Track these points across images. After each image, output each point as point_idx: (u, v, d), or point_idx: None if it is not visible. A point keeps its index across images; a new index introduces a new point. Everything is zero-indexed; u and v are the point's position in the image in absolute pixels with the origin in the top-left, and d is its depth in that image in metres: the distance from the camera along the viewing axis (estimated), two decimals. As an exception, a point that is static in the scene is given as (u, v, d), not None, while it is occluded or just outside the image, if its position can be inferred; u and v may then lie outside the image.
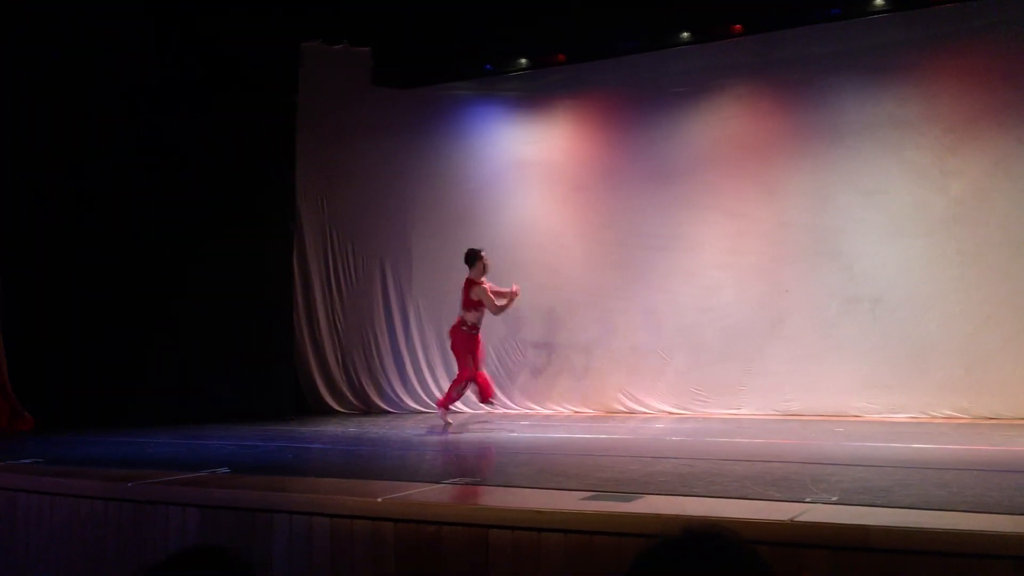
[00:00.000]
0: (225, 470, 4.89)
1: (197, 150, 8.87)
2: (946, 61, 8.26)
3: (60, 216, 8.52)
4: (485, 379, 8.38)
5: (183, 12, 8.53)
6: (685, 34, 8.96)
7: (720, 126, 9.11)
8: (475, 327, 8.30)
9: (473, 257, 8.38)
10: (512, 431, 7.68)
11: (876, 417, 8.08)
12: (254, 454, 5.94)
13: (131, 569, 4.24)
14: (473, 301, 8.22)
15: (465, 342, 8.27)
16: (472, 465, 5.27)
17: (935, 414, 7.96)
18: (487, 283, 8.30)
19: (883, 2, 8.15)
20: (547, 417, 9.11)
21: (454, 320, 8.41)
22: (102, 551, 4.41)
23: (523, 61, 9.74)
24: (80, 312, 8.56)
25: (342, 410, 9.78)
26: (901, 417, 8.01)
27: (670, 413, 8.94)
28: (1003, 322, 7.87)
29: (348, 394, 9.94)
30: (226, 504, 4.15)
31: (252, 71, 9.01)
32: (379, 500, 3.87)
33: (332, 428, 8.06)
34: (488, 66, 9.83)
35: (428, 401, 9.90)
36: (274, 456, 5.89)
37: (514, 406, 9.66)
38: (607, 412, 9.19)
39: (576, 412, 9.37)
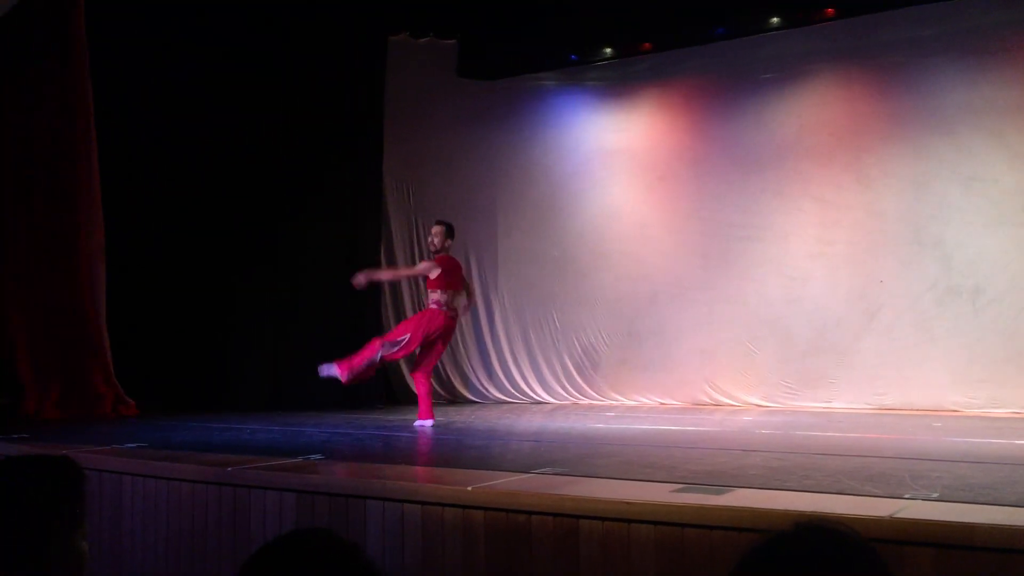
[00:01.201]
0: (319, 457, 5.01)
1: (289, 142, 9.07)
2: (1052, 42, 7.91)
3: (160, 208, 8.84)
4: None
5: (274, 5, 8.71)
6: (775, 19, 8.77)
7: (810, 112, 8.91)
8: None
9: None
10: (598, 422, 7.66)
11: (975, 412, 7.81)
12: (346, 442, 6.07)
13: (231, 549, 4.39)
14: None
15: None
16: (558, 455, 5.28)
17: (1038, 409, 7.66)
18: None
19: (983, -19, 7.84)
20: (633, 408, 9.07)
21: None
22: (203, 532, 4.57)
23: (608, 50, 9.68)
24: (178, 302, 8.88)
25: (429, 399, 9.89)
26: (1002, 412, 7.73)
27: (758, 406, 8.80)
28: (1113, 314, 7.52)
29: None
30: (321, 490, 4.25)
31: (342, 64, 9.17)
32: (469, 489, 3.91)
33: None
34: (573, 56, 9.80)
35: (512, 391, 9.97)
36: (366, 444, 6.00)
37: (599, 397, 9.64)
38: (693, 404, 9.10)
39: (662, 404, 9.30)
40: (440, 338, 7.36)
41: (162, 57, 8.60)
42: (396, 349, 7.23)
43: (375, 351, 7.18)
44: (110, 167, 8.32)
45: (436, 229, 7.48)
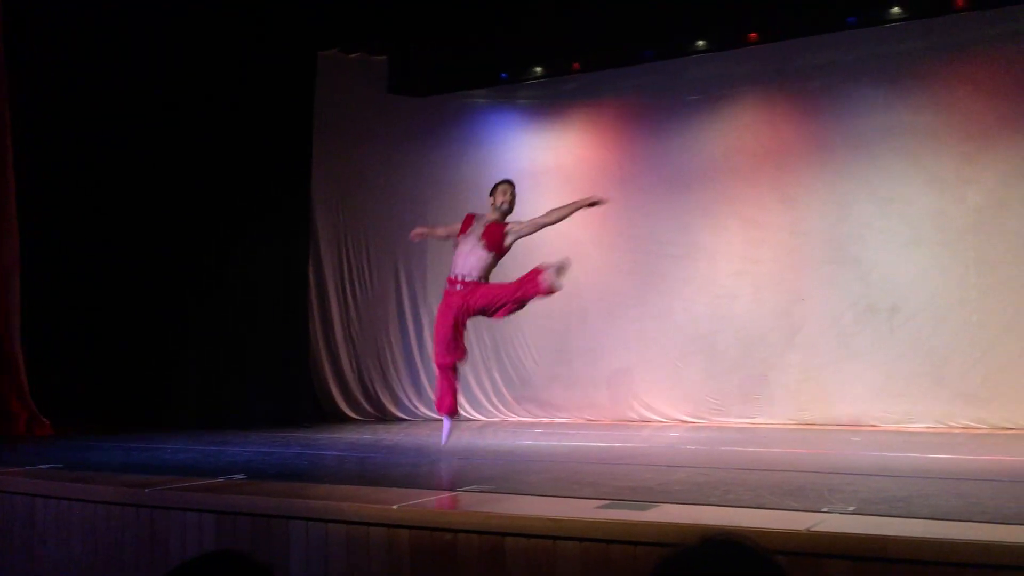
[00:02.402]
0: (242, 476, 4.91)
1: (216, 157, 8.93)
2: (963, 69, 8.24)
3: (81, 221, 8.60)
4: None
5: (200, 20, 8.59)
6: (700, 42, 8.95)
7: (736, 134, 9.11)
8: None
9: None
10: (527, 439, 7.67)
11: (893, 427, 8.04)
12: (271, 460, 5.96)
13: (148, 574, 4.27)
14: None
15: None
16: (487, 473, 5.26)
17: (952, 424, 7.92)
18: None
19: (899, 10, 8.11)
20: (562, 425, 9.10)
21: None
22: (119, 556, 4.43)
23: (538, 69, 9.75)
24: (99, 318, 8.63)
25: (357, 417, 9.80)
26: (918, 427, 7.97)
27: (685, 422, 8.92)
28: (1021, 331, 7.82)
29: (363, 401, 9.96)
30: (242, 510, 4.17)
31: (270, 79, 9.07)
32: (395, 507, 3.87)
33: (347, 435, 8.07)
34: (504, 74, 9.85)
35: (443, 409, 9.91)
36: (290, 463, 5.90)
37: (529, 414, 9.66)
38: (621, 420, 9.17)
39: (590, 420, 9.36)
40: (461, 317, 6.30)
41: (84, 66, 8.39)
42: (447, 358, 6.36)
43: (443, 377, 6.45)
44: (29, 180, 8.07)
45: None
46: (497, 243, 6.39)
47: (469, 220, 6.53)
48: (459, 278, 6.30)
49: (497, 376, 9.85)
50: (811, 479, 4.77)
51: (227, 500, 4.24)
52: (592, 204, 6.39)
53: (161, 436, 7.51)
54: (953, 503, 3.91)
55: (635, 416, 9.20)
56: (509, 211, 6.48)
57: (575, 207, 6.42)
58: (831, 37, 8.51)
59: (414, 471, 5.73)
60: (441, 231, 6.84)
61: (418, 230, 6.97)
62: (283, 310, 9.44)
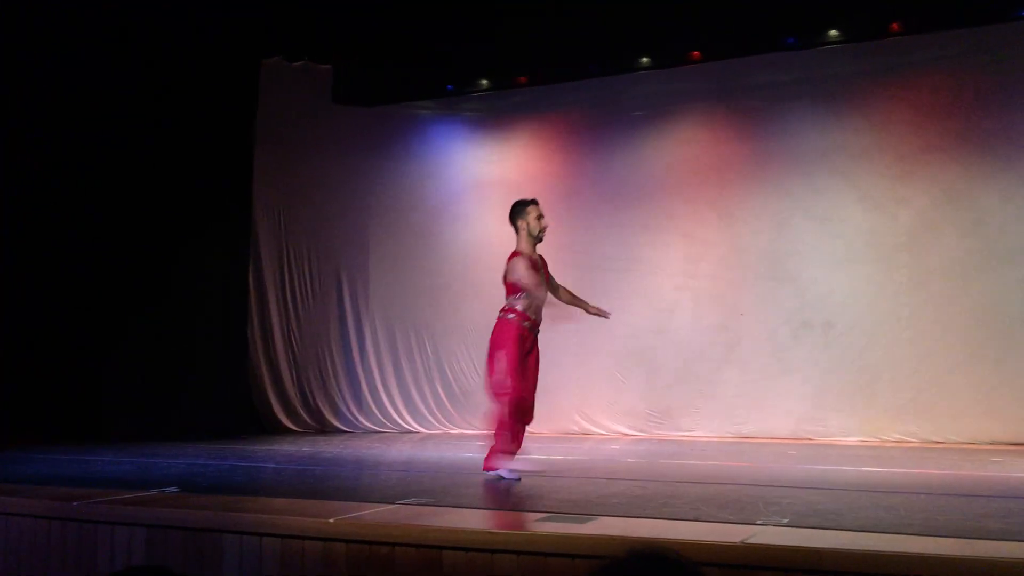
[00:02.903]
0: (174, 489, 4.81)
1: (154, 163, 8.76)
2: (896, 92, 8.47)
3: (12, 230, 8.35)
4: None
5: (140, 25, 8.44)
6: (645, 59, 9.07)
7: (678, 150, 9.23)
8: (524, 317, 5.76)
9: (515, 213, 5.87)
10: (468, 452, 7.64)
11: (827, 440, 8.19)
12: (205, 473, 5.85)
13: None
14: (508, 283, 5.82)
15: (504, 333, 5.77)
16: (426, 486, 5.23)
17: (885, 438, 8.10)
18: (528, 255, 5.81)
19: (836, 33, 8.33)
20: (503, 438, 9.07)
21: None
22: (45, 572, 4.30)
23: (484, 82, 9.79)
24: (31, 328, 8.38)
25: (296, 429, 9.68)
26: (851, 440, 8.13)
27: (625, 434, 8.98)
28: (950, 348, 8.04)
29: (303, 413, 9.84)
30: (174, 524, 4.08)
31: (211, 86, 8.93)
32: (331, 521, 3.83)
33: (286, 447, 7.96)
34: (450, 86, 9.86)
35: (383, 420, 9.84)
36: (225, 475, 5.80)
37: (471, 426, 9.63)
38: (562, 433, 9.19)
39: (532, 432, 9.34)
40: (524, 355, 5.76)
41: (14, 74, 8.16)
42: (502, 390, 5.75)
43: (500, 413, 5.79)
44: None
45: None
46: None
47: (531, 261, 5.81)
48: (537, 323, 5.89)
49: (439, 388, 9.81)
50: (747, 492, 4.84)
51: (159, 514, 4.15)
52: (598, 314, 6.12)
53: (92, 448, 7.32)
54: (883, 516, 4.00)
55: (576, 429, 9.24)
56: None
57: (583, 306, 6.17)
58: (771, 57, 8.71)
59: (353, 484, 5.67)
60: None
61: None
62: (222, 321, 9.29)
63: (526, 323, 5.79)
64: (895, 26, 8.17)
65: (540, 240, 5.85)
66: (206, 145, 8.93)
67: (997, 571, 3.02)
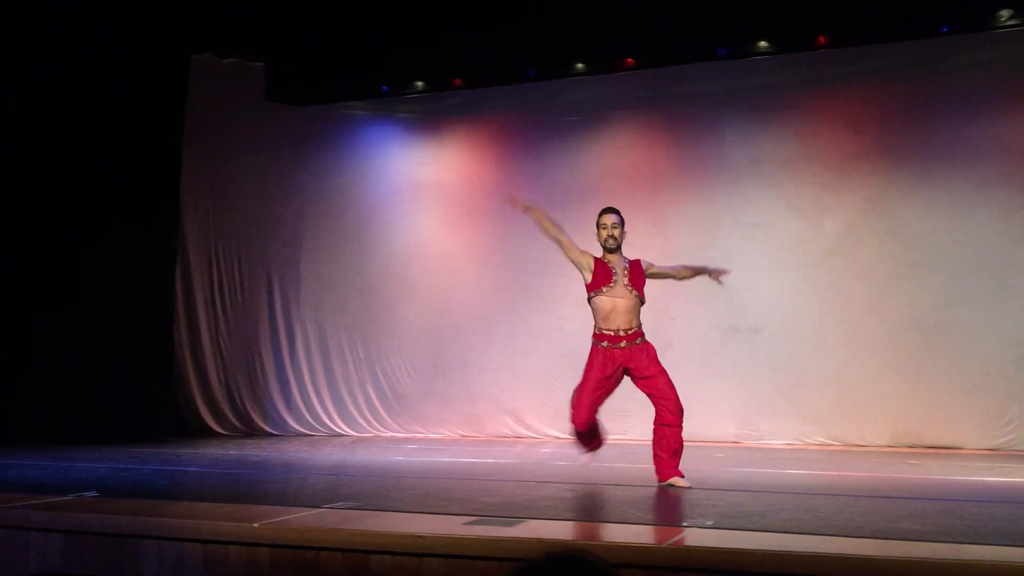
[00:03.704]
0: (93, 494, 4.67)
1: (77, 159, 8.51)
2: (823, 103, 8.69)
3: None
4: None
5: (67, 13, 8.18)
6: (580, 65, 9.14)
7: (611, 156, 9.32)
8: (598, 337, 5.66)
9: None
10: (399, 455, 7.60)
11: (754, 443, 8.35)
12: (126, 477, 5.70)
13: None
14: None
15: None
16: (355, 489, 5.18)
17: (808, 441, 8.29)
18: (601, 261, 5.73)
19: (766, 44, 8.51)
20: (435, 441, 9.06)
21: None
22: (-46, 580, 4.15)
23: (420, 84, 9.75)
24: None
25: (224, 432, 9.50)
26: (777, 443, 8.30)
27: (557, 438, 9.01)
28: (872, 353, 8.27)
29: (230, 415, 9.67)
30: (92, 529, 3.96)
31: (140, 80, 8.72)
32: (256, 525, 3.76)
33: (212, 451, 7.81)
34: (384, 87, 9.80)
35: (313, 423, 9.72)
36: (148, 479, 5.66)
37: (402, 430, 9.58)
38: (495, 436, 9.21)
39: (464, 436, 9.35)
40: (607, 383, 5.60)
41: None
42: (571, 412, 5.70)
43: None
44: None
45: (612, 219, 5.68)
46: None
47: (600, 268, 5.71)
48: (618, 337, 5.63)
49: (371, 390, 9.74)
50: (674, 494, 4.90)
51: (76, 519, 4.03)
52: (717, 274, 5.91)
53: (9, 452, 7.08)
54: (804, 517, 4.08)
55: (509, 432, 9.25)
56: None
57: (699, 271, 5.97)
58: (703, 67, 8.86)
59: (280, 488, 5.59)
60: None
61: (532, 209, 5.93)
62: (148, 321, 9.07)
63: (603, 343, 5.62)
64: (822, 39, 8.38)
65: (610, 249, 5.67)
66: (132, 141, 8.71)
67: (911, 571, 3.11)
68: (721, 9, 8.04)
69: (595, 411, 5.63)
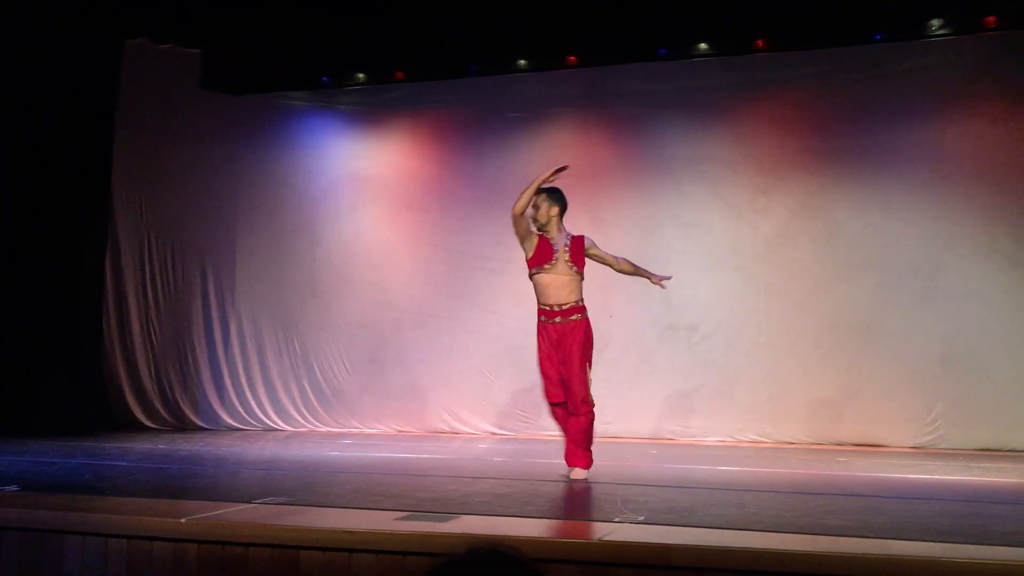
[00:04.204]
0: (14, 488, 4.54)
1: (7, 146, 8.24)
2: (760, 106, 8.83)
3: None
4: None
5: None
6: (522, 61, 9.15)
7: (552, 153, 9.28)
8: (538, 312, 5.73)
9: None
10: (334, 450, 7.53)
11: (688, 440, 8.46)
12: (50, 471, 5.55)
13: None
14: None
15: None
16: (287, 484, 5.12)
17: (741, 438, 8.42)
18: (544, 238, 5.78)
19: (706, 47, 8.62)
20: (371, 436, 9.00)
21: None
22: None
23: (360, 76, 9.66)
24: None
25: (154, 426, 9.31)
26: (711, 440, 8.42)
27: (494, 434, 9.03)
28: (803, 353, 8.43)
29: (161, 409, 9.47)
30: (12, 524, 3.85)
31: (69, 65, 8.47)
32: (183, 521, 3.69)
33: (141, 445, 7.65)
34: (324, 78, 9.68)
35: (247, 418, 9.57)
36: (72, 474, 5.52)
37: (338, 424, 9.49)
38: (432, 432, 9.17)
39: (401, 431, 9.30)
40: (558, 358, 5.57)
41: None
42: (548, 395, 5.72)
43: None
44: None
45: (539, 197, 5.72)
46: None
47: (541, 244, 5.78)
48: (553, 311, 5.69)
49: (306, 385, 9.62)
50: (608, 490, 4.94)
51: (-6, 514, 3.91)
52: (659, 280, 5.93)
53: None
54: (733, 512, 4.15)
55: (445, 427, 9.22)
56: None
57: (642, 273, 6.01)
58: (644, 67, 8.94)
59: (210, 483, 5.50)
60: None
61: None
62: (76, 312, 8.82)
63: (541, 317, 5.69)
64: (760, 43, 8.52)
65: (540, 229, 5.76)
66: (62, 128, 8.46)
67: (835, 565, 3.17)
68: (663, 10, 8.11)
69: (558, 383, 5.64)
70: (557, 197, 5.79)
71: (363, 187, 9.80)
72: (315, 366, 9.63)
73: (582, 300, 5.68)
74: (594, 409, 5.58)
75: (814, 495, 4.96)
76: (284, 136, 9.92)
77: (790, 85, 8.75)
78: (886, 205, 8.37)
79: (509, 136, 9.42)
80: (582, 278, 5.70)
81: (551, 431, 8.82)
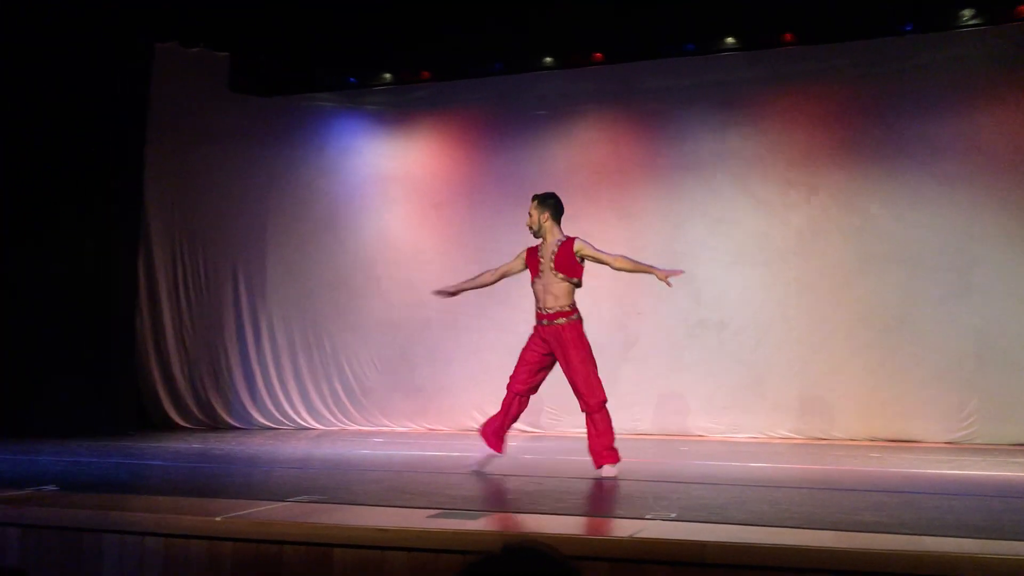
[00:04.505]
0: (53, 488, 4.61)
1: (39, 149, 8.35)
2: (788, 100, 8.77)
3: None
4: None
5: (32, 3, 8.03)
6: (548, 59, 9.14)
7: (579, 150, 9.33)
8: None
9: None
10: (364, 449, 7.57)
11: (718, 437, 8.42)
12: (87, 471, 5.64)
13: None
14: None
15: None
16: (320, 483, 5.16)
17: (772, 434, 8.37)
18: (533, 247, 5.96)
19: (733, 41, 8.56)
20: (401, 434, 9.04)
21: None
22: (-92, 576, 4.07)
23: (387, 76, 9.69)
24: None
25: (187, 425, 9.41)
26: (741, 437, 8.38)
27: (524, 431, 9.02)
28: (834, 348, 8.36)
29: (194, 409, 9.58)
30: (51, 524, 3.91)
31: (102, 69, 8.57)
32: (218, 519, 3.73)
33: (175, 444, 7.74)
34: (352, 79, 9.73)
35: (278, 417, 9.66)
36: (109, 473, 5.60)
37: (368, 423, 9.55)
38: (461, 430, 9.18)
39: (430, 430, 9.34)
40: (540, 363, 5.84)
41: None
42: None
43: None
44: None
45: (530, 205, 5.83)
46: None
47: (528, 253, 5.95)
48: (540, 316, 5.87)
49: (337, 384, 9.68)
50: (639, 487, 4.93)
51: (34, 513, 3.97)
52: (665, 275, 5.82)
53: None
54: (766, 509, 4.13)
55: (474, 425, 9.17)
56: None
57: (643, 269, 5.95)
58: (671, 62, 8.89)
59: (243, 481, 5.55)
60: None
61: None
62: (110, 313, 8.93)
63: (535, 320, 5.86)
64: (788, 36, 8.45)
65: (536, 236, 5.88)
66: (95, 131, 8.57)
67: (870, 562, 3.15)
68: (688, 5, 8.07)
69: (528, 382, 5.85)
70: (551, 203, 5.83)
71: (390, 187, 9.84)
72: (345, 365, 9.69)
73: (571, 305, 5.76)
74: (607, 406, 5.66)
75: (848, 491, 4.92)
76: (312, 137, 9.98)
77: (819, 78, 8.67)
78: (918, 198, 8.28)
79: (535, 134, 9.42)
80: (575, 284, 5.76)
81: (580, 428, 8.82)
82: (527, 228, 5.87)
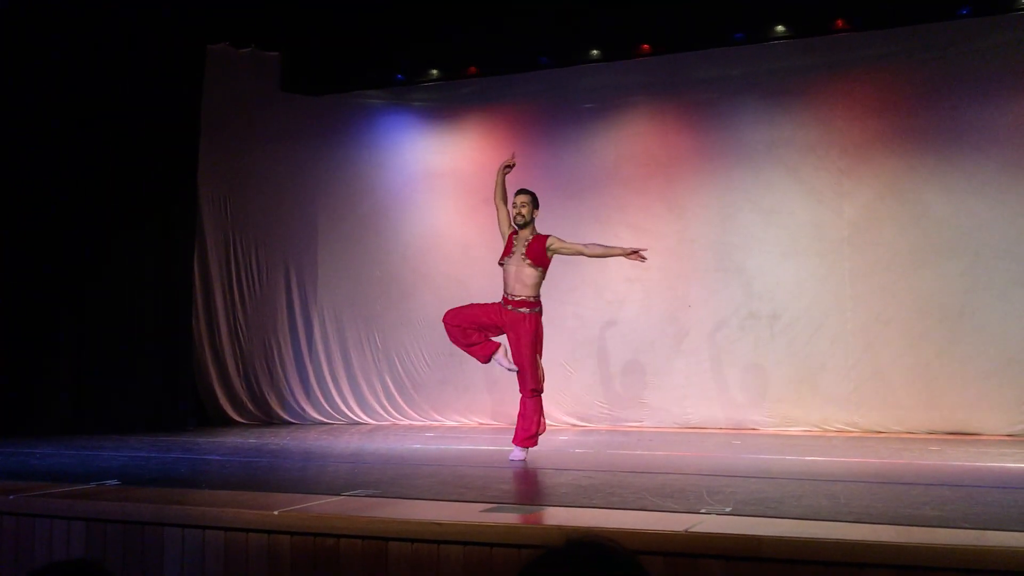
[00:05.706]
0: (115, 482, 4.72)
1: (93, 150, 8.55)
2: (841, 87, 8.61)
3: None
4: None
5: (84, 5, 8.20)
6: (595, 51, 9.10)
7: (627, 143, 9.28)
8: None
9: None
10: (416, 443, 7.63)
11: (772, 430, 8.32)
12: (147, 466, 5.76)
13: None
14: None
15: None
16: (374, 477, 5.21)
17: (827, 427, 8.26)
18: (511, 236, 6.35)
19: (783, 29, 8.44)
20: (452, 429, 9.09)
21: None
22: (-21, 567, 4.20)
23: (435, 72, 9.74)
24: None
25: (242, 421, 9.57)
26: (795, 430, 8.27)
27: (574, 425, 9.03)
28: (890, 340, 8.21)
29: (249, 404, 9.73)
30: (114, 517, 4.00)
31: (156, 71, 8.75)
32: (276, 513, 3.79)
33: (231, 439, 7.87)
34: (399, 76, 9.79)
35: (331, 412, 9.77)
36: (169, 468, 5.71)
37: (420, 418, 9.62)
38: (512, 424, 9.16)
39: (481, 424, 9.38)
40: (484, 328, 6.25)
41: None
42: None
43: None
44: None
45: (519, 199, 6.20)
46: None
47: (507, 242, 6.33)
48: (507, 299, 6.26)
49: (388, 379, 9.77)
50: (692, 481, 4.90)
51: (98, 507, 4.07)
52: (632, 254, 6.11)
53: (32, 441, 7.17)
54: (823, 503, 4.07)
55: (525, 420, 9.23)
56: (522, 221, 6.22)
57: (615, 252, 6.30)
58: (719, 52, 8.79)
59: (299, 476, 5.62)
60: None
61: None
62: (166, 311, 9.11)
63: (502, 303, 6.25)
64: (840, 23, 8.31)
65: (520, 225, 6.26)
66: (149, 133, 8.75)
67: (932, 557, 3.09)
68: (737, -7, 7.98)
69: (461, 324, 6.29)
70: (536, 200, 6.31)
71: (439, 182, 9.89)
72: (396, 360, 9.77)
73: (534, 298, 6.18)
74: (541, 396, 6.29)
75: (907, 485, 4.83)
76: (361, 134, 10.07)
77: (872, 65, 8.51)
78: (976, 186, 8.09)
79: (583, 127, 9.39)
80: (542, 275, 6.18)
81: (632, 422, 8.82)
82: (516, 218, 6.23)
